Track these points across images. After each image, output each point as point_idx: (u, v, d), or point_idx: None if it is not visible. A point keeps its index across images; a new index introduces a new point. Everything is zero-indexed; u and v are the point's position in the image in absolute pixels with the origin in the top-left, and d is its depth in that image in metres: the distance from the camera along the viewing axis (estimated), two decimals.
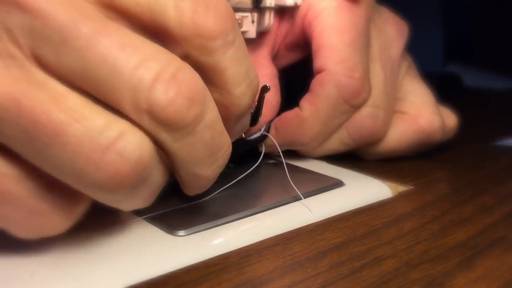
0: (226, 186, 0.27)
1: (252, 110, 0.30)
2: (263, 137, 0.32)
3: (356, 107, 0.31)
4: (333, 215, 0.26)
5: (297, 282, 0.20)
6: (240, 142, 0.30)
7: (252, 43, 0.33)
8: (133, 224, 0.23)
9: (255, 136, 0.31)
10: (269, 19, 0.32)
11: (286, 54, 0.36)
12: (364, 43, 0.32)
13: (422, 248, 0.23)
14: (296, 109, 0.31)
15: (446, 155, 0.38)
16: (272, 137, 0.31)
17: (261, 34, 0.33)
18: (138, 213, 0.24)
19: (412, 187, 0.31)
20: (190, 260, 0.21)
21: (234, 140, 0.28)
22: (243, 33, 0.30)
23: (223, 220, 0.24)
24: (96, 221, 0.24)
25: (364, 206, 0.28)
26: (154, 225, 0.23)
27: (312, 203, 0.27)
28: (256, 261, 0.21)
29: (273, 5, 0.32)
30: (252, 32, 0.31)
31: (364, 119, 0.32)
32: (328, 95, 0.30)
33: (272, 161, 0.33)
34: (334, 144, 0.32)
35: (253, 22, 0.30)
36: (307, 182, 0.29)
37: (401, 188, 0.31)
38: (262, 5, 0.31)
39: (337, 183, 0.29)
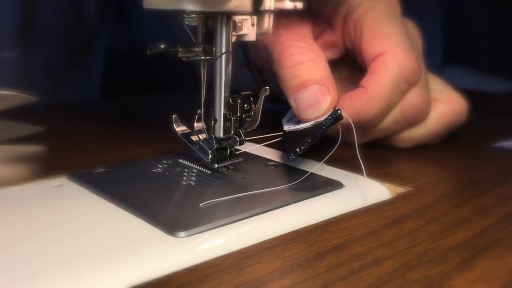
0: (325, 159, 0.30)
1: (252, 112, 0.30)
2: (339, 116, 0.32)
3: (412, 86, 0.36)
4: (333, 216, 0.26)
5: (297, 283, 0.20)
6: (324, 125, 0.31)
7: (295, 29, 0.37)
8: (134, 224, 0.24)
9: (330, 117, 0.32)
10: (268, 22, 0.32)
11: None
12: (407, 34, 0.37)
13: (421, 249, 0.23)
14: (360, 89, 0.35)
15: (444, 157, 0.38)
16: (346, 115, 0.32)
17: (300, 28, 0.37)
18: (140, 214, 0.24)
19: (411, 189, 0.31)
20: (191, 261, 0.21)
21: (318, 125, 0.31)
22: (243, 35, 0.30)
23: (224, 221, 0.24)
24: (96, 222, 0.24)
25: (363, 207, 0.28)
26: (154, 226, 0.23)
27: (312, 205, 0.27)
28: (256, 262, 0.22)
29: (272, 8, 0.32)
30: (252, 35, 0.31)
31: (415, 97, 0.36)
32: (392, 74, 0.34)
33: (272, 163, 0.33)
34: (389, 123, 0.36)
35: (252, 25, 0.30)
36: (306, 183, 0.30)
37: (400, 189, 0.31)
38: (262, 8, 0.31)
39: (336, 185, 0.29)
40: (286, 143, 0.34)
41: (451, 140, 0.39)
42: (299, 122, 0.35)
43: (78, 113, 0.50)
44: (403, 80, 0.35)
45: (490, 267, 0.22)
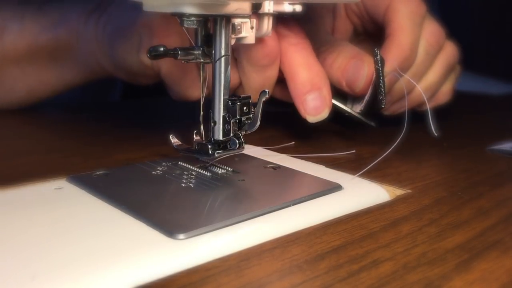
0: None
1: (252, 115, 0.30)
2: (378, 54, 0.38)
3: (424, 17, 0.42)
4: (332, 218, 0.26)
5: (296, 285, 0.20)
6: (378, 70, 0.37)
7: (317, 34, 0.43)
8: (133, 227, 0.24)
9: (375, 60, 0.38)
10: (267, 24, 0.33)
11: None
12: None
13: (419, 251, 0.23)
14: (389, 38, 0.40)
15: (443, 159, 0.38)
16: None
17: (320, 32, 0.43)
18: (140, 216, 0.24)
19: (409, 191, 0.31)
20: (190, 263, 0.21)
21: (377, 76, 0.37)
22: (242, 38, 0.31)
23: (223, 223, 0.24)
24: (96, 224, 0.24)
25: (362, 209, 0.28)
26: (154, 228, 0.23)
27: (311, 207, 0.27)
28: (255, 264, 0.22)
29: (271, 11, 0.32)
30: (251, 38, 0.31)
31: (433, 25, 0.42)
32: (403, 12, 0.41)
33: (271, 165, 0.33)
34: (422, 55, 0.41)
35: (252, 28, 0.31)
36: (305, 186, 0.30)
37: (399, 191, 0.31)
38: (261, 11, 0.31)
39: (335, 187, 0.30)
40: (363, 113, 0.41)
41: (449, 142, 0.39)
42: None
43: (77, 115, 0.50)
44: (415, 15, 0.41)
45: (489, 269, 0.22)
